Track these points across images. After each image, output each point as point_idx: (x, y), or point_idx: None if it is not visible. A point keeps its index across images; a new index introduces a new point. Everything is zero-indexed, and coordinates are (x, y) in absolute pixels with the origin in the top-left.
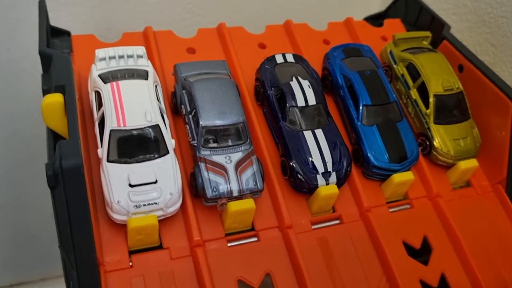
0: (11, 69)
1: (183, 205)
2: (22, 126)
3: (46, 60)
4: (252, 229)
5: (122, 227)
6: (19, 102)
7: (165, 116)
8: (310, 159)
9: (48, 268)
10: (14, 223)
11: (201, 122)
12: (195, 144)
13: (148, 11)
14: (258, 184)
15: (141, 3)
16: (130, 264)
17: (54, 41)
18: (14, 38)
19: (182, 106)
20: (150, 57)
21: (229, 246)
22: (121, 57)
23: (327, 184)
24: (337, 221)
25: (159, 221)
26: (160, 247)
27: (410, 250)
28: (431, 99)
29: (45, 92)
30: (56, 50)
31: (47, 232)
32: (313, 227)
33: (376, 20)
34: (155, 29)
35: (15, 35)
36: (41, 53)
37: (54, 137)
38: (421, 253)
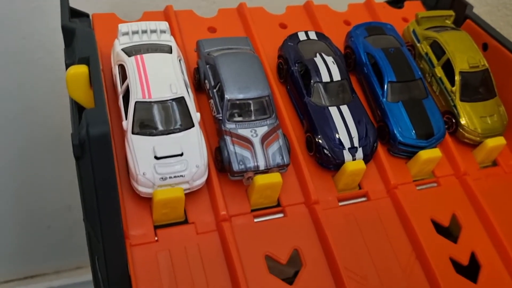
0: (27, 58)
1: (208, 180)
2: (38, 116)
3: (68, 34)
4: (278, 205)
5: (147, 201)
6: (35, 91)
7: (189, 89)
8: (336, 134)
9: (62, 261)
10: (28, 215)
11: (226, 96)
12: (220, 118)
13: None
14: (285, 159)
15: None
16: (156, 238)
17: (74, 21)
18: (30, 26)
19: (206, 81)
20: (171, 35)
21: (256, 222)
22: (144, 32)
23: (354, 159)
24: (364, 198)
25: (185, 195)
26: (185, 222)
27: (438, 230)
28: (457, 77)
29: (68, 65)
30: None
31: (61, 224)
32: (340, 204)
33: (396, 3)
34: None
35: (30, 23)
36: (64, 27)
37: (78, 110)
38: (448, 234)
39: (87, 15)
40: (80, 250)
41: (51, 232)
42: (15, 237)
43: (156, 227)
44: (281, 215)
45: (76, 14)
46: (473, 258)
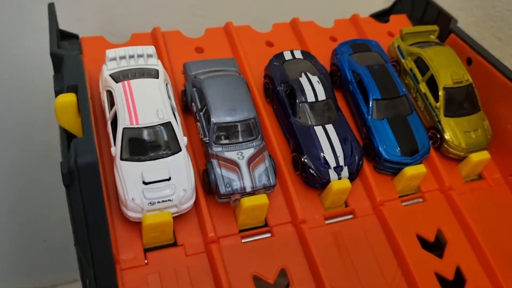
0: (18, 75)
1: (196, 202)
2: (31, 133)
3: (57, 61)
4: (266, 225)
5: (136, 225)
6: (27, 109)
7: (176, 113)
8: (321, 154)
9: (58, 274)
10: (24, 229)
11: (212, 119)
12: (207, 141)
13: (153, 15)
14: (271, 180)
15: (146, 7)
16: (146, 261)
17: (64, 44)
18: (21, 44)
19: (193, 104)
20: (159, 57)
21: (243, 242)
22: (131, 56)
23: (339, 178)
24: (350, 216)
25: (173, 218)
26: (174, 244)
27: (424, 245)
28: (440, 92)
29: (57, 93)
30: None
31: (57, 238)
32: (327, 222)
33: (382, 17)
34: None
35: (21, 41)
36: (53, 54)
37: (67, 136)
38: (435, 247)
39: (76, 37)
40: (76, 263)
41: (47, 246)
42: (12, 251)
43: (146, 250)
44: (268, 235)
45: (65, 36)
46: (458, 272)
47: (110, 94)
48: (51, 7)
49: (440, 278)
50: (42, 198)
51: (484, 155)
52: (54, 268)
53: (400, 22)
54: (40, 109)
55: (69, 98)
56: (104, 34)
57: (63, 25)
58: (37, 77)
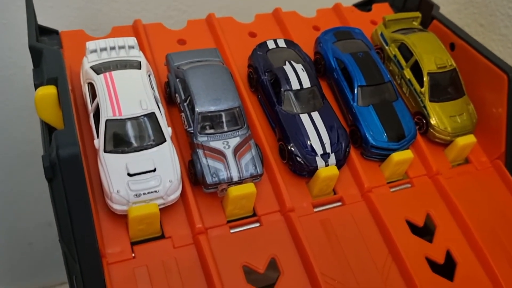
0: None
1: (183, 193)
2: (14, 133)
3: (36, 54)
4: (254, 214)
5: (122, 218)
6: (9, 108)
7: (160, 104)
8: (308, 141)
9: (45, 276)
10: (10, 232)
11: (196, 109)
12: (192, 131)
13: (134, 11)
14: (258, 169)
15: (127, 3)
16: (133, 255)
17: (43, 39)
18: (1, 43)
19: (177, 95)
20: (141, 49)
21: (232, 233)
22: (112, 48)
23: (327, 165)
24: (338, 203)
25: (160, 210)
26: (162, 236)
27: (414, 230)
28: (425, 78)
29: (37, 86)
30: None
31: (43, 240)
32: (315, 210)
33: (364, 6)
34: None
35: (1, 40)
36: (32, 48)
37: (48, 130)
38: (424, 233)
39: (56, 32)
40: (63, 265)
41: (33, 249)
42: None
43: (133, 244)
44: (257, 224)
45: (45, 31)
46: (448, 256)
47: (91, 86)
48: (29, 1)
49: (431, 263)
50: (26, 202)
51: (470, 138)
52: (41, 271)
53: (382, 11)
54: (23, 110)
55: (49, 90)
56: (85, 30)
57: (42, 22)
58: (18, 76)
